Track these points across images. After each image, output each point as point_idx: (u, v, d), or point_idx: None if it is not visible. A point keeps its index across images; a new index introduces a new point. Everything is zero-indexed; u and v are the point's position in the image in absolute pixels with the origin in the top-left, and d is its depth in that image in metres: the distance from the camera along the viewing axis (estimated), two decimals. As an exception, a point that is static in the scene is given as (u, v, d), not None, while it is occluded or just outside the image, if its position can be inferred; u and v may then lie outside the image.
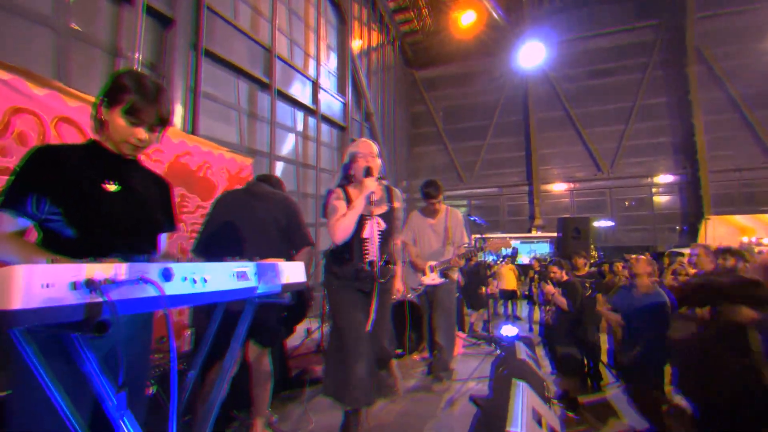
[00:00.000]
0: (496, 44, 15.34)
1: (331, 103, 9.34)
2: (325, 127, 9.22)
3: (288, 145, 8.00)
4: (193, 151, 3.60)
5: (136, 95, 1.10)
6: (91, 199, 1.06)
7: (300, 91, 8.09)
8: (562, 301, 3.58)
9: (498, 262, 8.86)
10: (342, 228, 2.00)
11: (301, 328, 3.87)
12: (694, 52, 12.95)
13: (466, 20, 13.64)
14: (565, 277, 3.80)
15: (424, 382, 3.05)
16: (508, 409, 1.50)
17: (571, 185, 14.86)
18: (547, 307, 4.03)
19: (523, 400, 1.56)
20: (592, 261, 6.47)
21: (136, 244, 1.13)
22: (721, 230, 9.35)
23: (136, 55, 4.41)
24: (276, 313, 2.07)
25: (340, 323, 2.11)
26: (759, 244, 9.20)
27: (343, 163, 2.22)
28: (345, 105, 9.99)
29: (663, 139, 13.66)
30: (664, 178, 13.78)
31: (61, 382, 0.73)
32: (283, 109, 7.59)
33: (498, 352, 3.98)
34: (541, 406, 1.67)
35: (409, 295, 3.49)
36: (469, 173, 16.33)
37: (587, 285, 4.27)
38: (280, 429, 2.28)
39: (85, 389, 0.78)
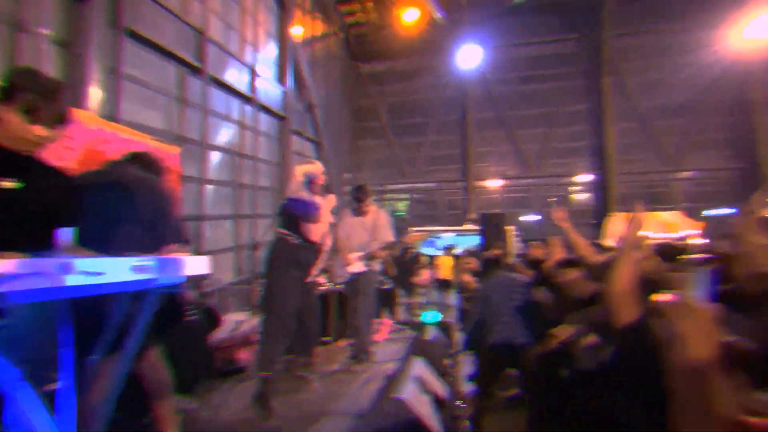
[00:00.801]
0: (438, 44, 15.86)
1: (270, 92, 9.15)
2: (263, 117, 9.03)
3: (224, 134, 7.75)
4: (111, 139, 3.44)
5: (34, 94, 1.11)
6: None
7: (236, 77, 7.85)
8: (474, 286, 3.99)
9: (437, 253, 9.40)
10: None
11: (231, 320, 3.92)
12: (608, 66, 14.45)
13: (409, 17, 13.92)
14: (475, 267, 4.22)
15: (345, 365, 3.29)
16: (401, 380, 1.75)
17: (503, 182, 15.99)
18: (464, 294, 4.45)
19: (413, 373, 1.81)
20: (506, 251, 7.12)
21: (36, 239, 1.18)
22: (619, 226, 10.64)
23: (45, 31, 4.06)
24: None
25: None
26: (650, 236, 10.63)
27: (307, 177, 2.77)
28: (285, 94, 9.83)
29: (581, 143, 15.15)
30: (581, 178, 15.33)
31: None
32: (218, 96, 7.33)
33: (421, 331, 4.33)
34: (431, 378, 1.94)
35: (336, 285, 3.71)
36: (411, 168, 16.86)
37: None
38: (196, 413, 2.36)
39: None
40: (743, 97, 13.99)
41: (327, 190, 2.76)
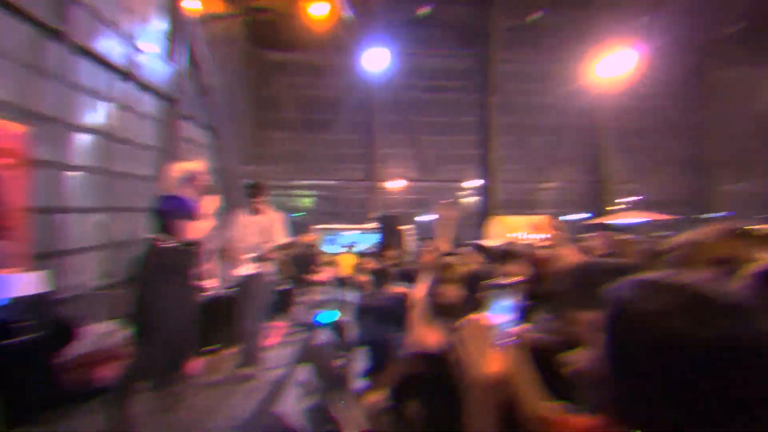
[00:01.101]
0: (346, 42, 15.92)
1: (156, 69, 8.14)
2: (146, 97, 7.99)
3: (95, 113, 6.65)
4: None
5: None
6: None
7: (112, 49, 6.80)
8: (370, 286, 4.14)
9: (339, 251, 9.46)
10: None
11: (92, 332, 3.40)
12: (494, 85, 16.22)
13: (317, 11, 13.69)
14: (376, 266, 4.39)
15: (230, 375, 3.13)
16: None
17: (404, 184, 16.83)
18: (361, 293, 4.59)
19: (296, 382, 1.83)
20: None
21: None
22: (497, 228, 12.12)
23: None
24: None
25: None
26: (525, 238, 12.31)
27: (185, 174, 2.56)
28: (175, 74, 8.85)
29: (472, 151, 16.76)
30: (470, 183, 16.96)
31: None
32: (87, 68, 6.25)
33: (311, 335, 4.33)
34: (315, 385, 1.98)
35: (224, 290, 3.50)
36: (317, 165, 16.69)
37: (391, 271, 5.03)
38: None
39: None
40: (592, 122, 17.01)
41: (210, 190, 2.58)
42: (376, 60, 15.23)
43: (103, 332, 3.29)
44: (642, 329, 0.52)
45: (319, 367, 2.23)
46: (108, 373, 2.80)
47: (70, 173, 5.91)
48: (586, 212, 16.48)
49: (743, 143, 17.58)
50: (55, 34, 5.48)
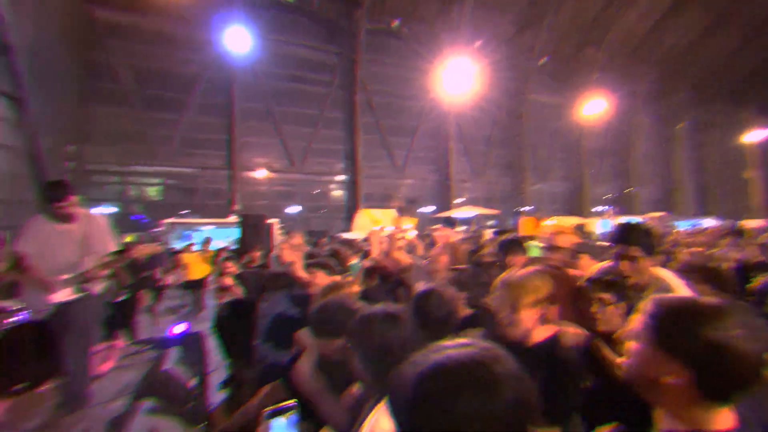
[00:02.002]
0: (200, 11, 14.27)
1: None
2: None
3: None
4: None
5: None
6: None
7: None
8: (238, 292, 4.00)
9: (191, 250, 8.45)
10: None
11: None
12: (359, 84, 16.91)
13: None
14: (237, 270, 4.26)
15: (52, 418, 2.68)
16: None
17: (269, 175, 16.20)
18: (220, 299, 4.38)
19: (139, 423, 1.76)
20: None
21: None
22: (362, 220, 12.83)
23: None
24: None
25: None
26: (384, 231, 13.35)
27: None
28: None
29: (338, 146, 17.19)
30: (338, 177, 17.42)
31: None
32: None
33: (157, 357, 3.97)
34: (162, 422, 1.92)
35: (31, 317, 2.91)
36: (165, 149, 14.63)
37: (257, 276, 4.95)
38: None
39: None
40: (443, 129, 19.36)
41: None
42: (237, 40, 14.09)
43: None
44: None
45: (167, 399, 2.14)
46: None
47: None
48: (434, 206, 18.80)
49: (545, 152, 22.58)
50: None
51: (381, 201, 17.45)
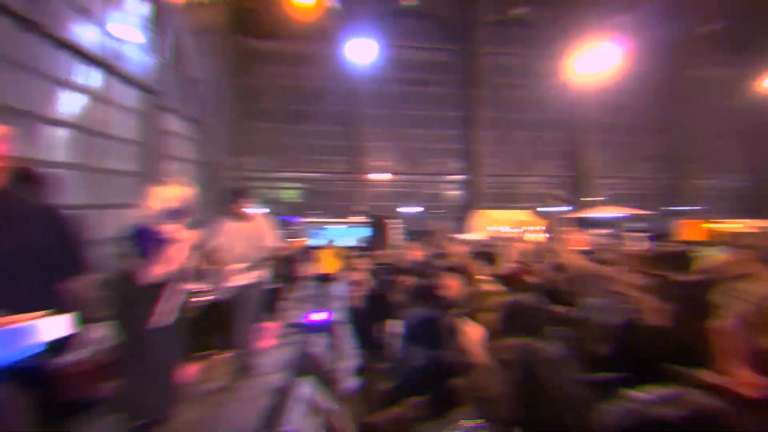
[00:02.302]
0: (332, 32, 15.66)
1: (138, 60, 7.86)
2: (128, 89, 7.73)
3: (71, 106, 6.41)
4: None
5: None
6: None
7: (90, 39, 6.53)
8: (370, 286, 4.21)
9: (322, 246, 9.39)
10: None
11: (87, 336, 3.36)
12: (478, 78, 16.33)
13: None
14: (368, 266, 4.47)
15: (229, 382, 3.17)
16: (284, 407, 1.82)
17: (389, 177, 16.88)
18: (355, 293, 4.64)
19: (301, 397, 1.90)
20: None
21: None
22: (481, 221, 12.33)
23: None
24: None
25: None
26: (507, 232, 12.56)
27: (170, 205, 2.32)
28: (157, 64, 8.57)
29: (456, 146, 16.91)
30: (455, 177, 17.15)
31: None
32: (63, 59, 6.00)
33: (302, 341, 4.38)
34: (318, 398, 2.06)
35: (217, 295, 3.50)
36: (303, 156, 16.53)
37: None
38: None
39: None
40: (576, 118, 17.36)
41: (193, 221, 2.41)
42: (361, 51, 15.04)
43: (95, 337, 3.25)
44: None
45: (319, 377, 2.30)
46: (98, 385, 2.79)
47: (48, 170, 5.72)
48: (566, 206, 16.96)
49: (712, 140, 18.36)
50: (30, 24, 5.23)
51: (501, 200, 16.57)
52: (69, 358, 2.98)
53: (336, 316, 5.60)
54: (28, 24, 5.21)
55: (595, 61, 13.25)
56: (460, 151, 16.93)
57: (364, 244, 9.01)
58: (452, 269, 3.16)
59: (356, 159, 16.38)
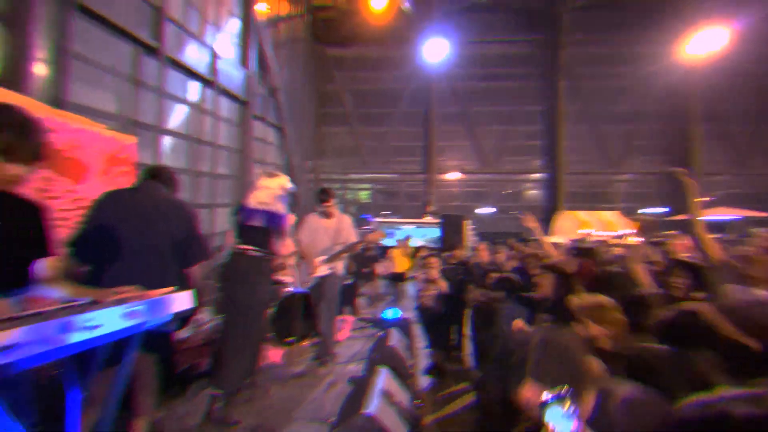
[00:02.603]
0: (405, 34, 15.83)
1: (231, 74, 8.76)
2: (224, 101, 8.65)
3: (180, 118, 7.37)
4: (61, 129, 3.23)
5: (10, 132, 1.11)
6: None
7: (196, 59, 7.44)
8: (443, 286, 4.21)
9: (394, 246, 9.56)
10: None
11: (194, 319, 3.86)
12: (563, 69, 15.19)
13: (377, 4, 13.76)
14: (441, 266, 4.45)
15: (309, 367, 3.40)
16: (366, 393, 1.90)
17: (461, 176, 16.52)
18: (425, 292, 4.67)
19: (380, 385, 1.97)
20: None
21: (13, 275, 1.17)
22: (566, 223, 11.43)
23: (-19, 2, 3.66)
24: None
25: None
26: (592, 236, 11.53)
27: (285, 191, 2.77)
28: (247, 77, 9.45)
29: (535, 142, 15.94)
30: (534, 176, 16.19)
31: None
32: (175, 78, 6.93)
33: (379, 334, 4.50)
34: (396, 388, 2.11)
35: (301, 287, 3.78)
36: (374, 158, 16.94)
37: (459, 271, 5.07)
38: (163, 426, 2.38)
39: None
40: (680, 107, 15.29)
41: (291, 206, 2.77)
42: (435, 51, 14.96)
43: (200, 320, 3.71)
44: None
45: (395, 368, 2.36)
46: (202, 360, 3.19)
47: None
48: (664, 207, 15.03)
49: None
50: (152, 50, 6.13)
51: (588, 201, 15.27)
52: (187, 332, 3.45)
53: (408, 314, 5.67)
54: (150, 49, 6.10)
55: (703, 42, 11.57)
56: (542, 147, 15.95)
57: (436, 245, 8.96)
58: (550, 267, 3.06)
59: (428, 159, 16.33)
